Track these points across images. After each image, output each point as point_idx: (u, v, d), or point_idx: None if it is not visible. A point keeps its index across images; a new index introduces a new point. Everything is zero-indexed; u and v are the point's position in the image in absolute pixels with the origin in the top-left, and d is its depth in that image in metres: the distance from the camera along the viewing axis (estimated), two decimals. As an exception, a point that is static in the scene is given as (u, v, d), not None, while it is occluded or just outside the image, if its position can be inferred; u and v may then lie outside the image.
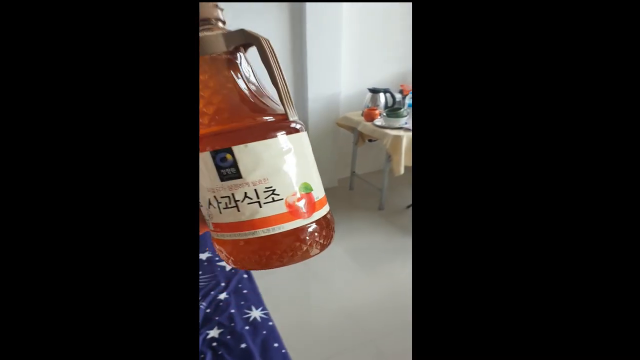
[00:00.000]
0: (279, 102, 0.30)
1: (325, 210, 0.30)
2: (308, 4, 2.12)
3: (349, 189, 2.65)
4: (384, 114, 2.14)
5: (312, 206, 0.29)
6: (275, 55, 0.28)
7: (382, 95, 2.37)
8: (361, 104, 2.48)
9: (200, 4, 0.28)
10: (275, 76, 0.28)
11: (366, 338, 1.38)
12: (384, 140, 2.03)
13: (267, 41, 0.28)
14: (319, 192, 0.30)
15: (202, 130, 0.27)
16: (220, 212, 0.28)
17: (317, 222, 0.29)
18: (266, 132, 0.27)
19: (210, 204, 0.28)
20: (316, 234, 0.29)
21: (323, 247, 0.30)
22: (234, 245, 0.29)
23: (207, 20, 0.29)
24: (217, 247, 0.31)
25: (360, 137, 2.42)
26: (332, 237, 0.31)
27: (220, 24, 0.29)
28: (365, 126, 2.22)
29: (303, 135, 0.29)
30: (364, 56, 2.55)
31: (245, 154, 0.26)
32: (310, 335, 1.42)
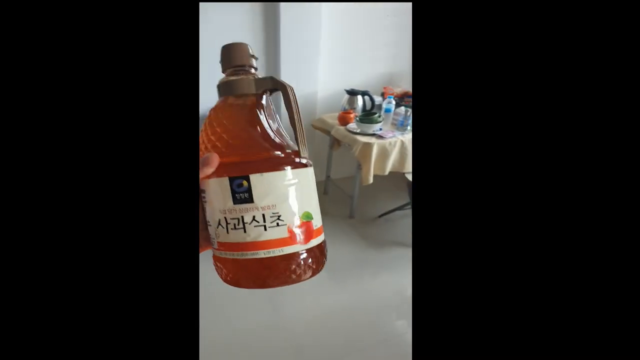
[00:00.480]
0: (293, 139, 0.35)
1: (321, 238, 0.34)
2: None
3: (324, 193, 2.53)
4: (357, 118, 2.02)
5: (310, 234, 0.32)
6: (296, 101, 0.33)
7: (359, 97, 2.24)
8: (339, 106, 2.32)
9: (239, 53, 0.33)
10: (294, 119, 0.33)
11: (332, 352, 1.33)
12: (354, 147, 1.91)
13: (292, 89, 0.33)
14: (317, 222, 0.33)
15: (223, 159, 0.31)
16: (228, 232, 0.31)
17: (312, 249, 0.32)
18: (279, 164, 0.31)
19: (219, 224, 0.31)
20: (310, 260, 0.32)
21: (315, 272, 0.33)
22: (234, 264, 0.32)
23: (243, 66, 0.33)
24: (217, 265, 0.33)
25: (336, 141, 2.23)
26: (324, 263, 0.34)
27: (252, 70, 0.34)
28: (338, 130, 2.09)
29: (309, 170, 0.33)
30: (346, 55, 2.39)
31: (259, 181, 0.30)
32: (274, 344, 1.36)
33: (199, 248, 0.35)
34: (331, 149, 2.40)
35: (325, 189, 2.55)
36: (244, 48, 0.34)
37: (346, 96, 2.28)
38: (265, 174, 0.30)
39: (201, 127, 0.34)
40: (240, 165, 0.31)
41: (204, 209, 0.33)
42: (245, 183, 0.30)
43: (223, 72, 0.34)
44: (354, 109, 2.23)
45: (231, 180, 0.30)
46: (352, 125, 2.05)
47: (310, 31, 2.18)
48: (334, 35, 2.30)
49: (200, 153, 0.35)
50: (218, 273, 0.34)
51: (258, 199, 0.30)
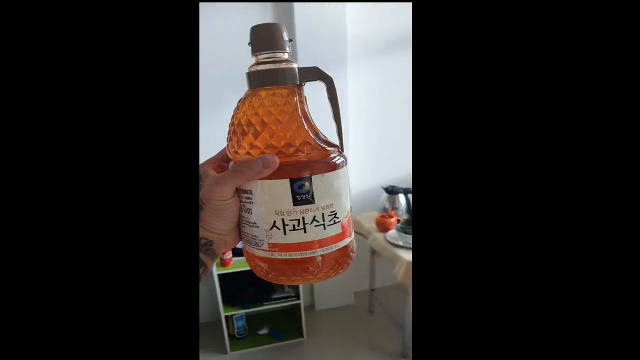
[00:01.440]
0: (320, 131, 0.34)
1: (353, 227, 0.36)
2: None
3: (368, 311, 2.04)
4: (398, 225, 1.56)
5: (352, 225, 0.34)
6: (337, 94, 0.32)
7: (401, 196, 1.81)
8: (377, 204, 1.90)
9: (275, 35, 0.30)
10: (338, 113, 0.32)
11: None
12: (396, 267, 1.45)
13: (333, 81, 0.32)
14: (352, 212, 0.35)
15: (282, 159, 0.29)
16: (285, 234, 0.30)
17: (353, 239, 0.35)
18: (336, 163, 0.31)
19: (274, 225, 0.30)
20: (352, 248, 0.34)
21: (351, 261, 0.35)
22: (286, 263, 0.31)
23: (280, 51, 0.30)
24: (258, 264, 0.32)
25: (376, 251, 1.77)
26: (354, 255, 0.37)
27: (287, 56, 0.31)
28: (376, 239, 1.64)
29: (347, 167, 0.34)
30: (380, 144, 2.03)
31: (321, 182, 0.30)
32: None
33: (224, 248, 0.33)
34: (373, 257, 1.92)
35: (369, 306, 2.04)
36: (279, 29, 0.31)
37: (384, 194, 1.86)
38: (326, 175, 0.30)
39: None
40: (301, 165, 0.30)
41: (245, 209, 0.31)
42: (307, 184, 0.29)
43: (253, 56, 0.31)
44: (396, 210, 1.79)
45: (292, 181, 0.29)
46: (393, 234, 1.59)
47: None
48: (363, 119, 1.91)
49: (230, 147, 0.31)
50: (256, 271, 0.33)
51: (319, 199, 0.30)
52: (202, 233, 0.31)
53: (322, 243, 0.31)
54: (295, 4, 1.60)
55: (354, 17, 1.76)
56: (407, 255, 1.43)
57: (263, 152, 0.29)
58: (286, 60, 0.31)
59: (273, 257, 0.31)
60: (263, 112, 0.30)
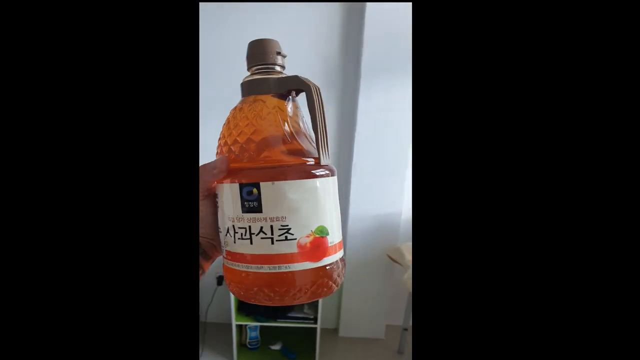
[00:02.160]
0: (310, 144, 0.32)
1: (337, 256, 0.30)
2: (362, 81, 1.50)
3: (398, 352, 1.75)
4: None
5: (324, 251, 0.29)
6: (321, 103, 0.30)
7: None
8: None
9: (265, 50, 0.31)
10: (316, 122, 0.30)
11: None
12: None
13: (317, 89, 0.30)
14: (334, 237, 0.30)
15: (236, 164, 0.29)
16: (235, 242, 0.29)
17: (324, 267, 0.29)
18: (295, 173, 0.28)
19: (228, 231, 0.29)
20: (321, 280, 0.29)
21: (327, 293, 0.30)
22: (240, 276, 0.29)
23: (267, 64, 0.31)
24: (227, 276, 0.31)
25: None
26: (338, 284, 0.31)
27: (278, 69, 0.31)
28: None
29: (331, 180, 0.30)
30: None
31: (270, 190, 0.27)
32: None
33: (216, 252, 0.34)
34: (410, 296, 1.67)
35: (399, 345, 1.76)
36: (272, 44, 0.31)
37: None
38: (277, 183, 0.27)
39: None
40: (250, 171, 0.28)
41: (217, 214, 0.32)
42: (255, 191, 0.28)
43: (248, 69, 0.32)
44: None
45: (241, 187, 0.28)
46: None
47: (399, 135, 1.55)
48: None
49: (216, 155, 0.33)
50: (229, 288, 0.32)
51: (267, 209, 0.27)
52: None
53: (269, 259, 0.28)
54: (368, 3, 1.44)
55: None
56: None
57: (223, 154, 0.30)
58: (277, 72, 0.31)
59: (229, 266, 0.30)
60: (231, 118, 0.31)
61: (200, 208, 0.31)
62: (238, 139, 0.30)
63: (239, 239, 0.29)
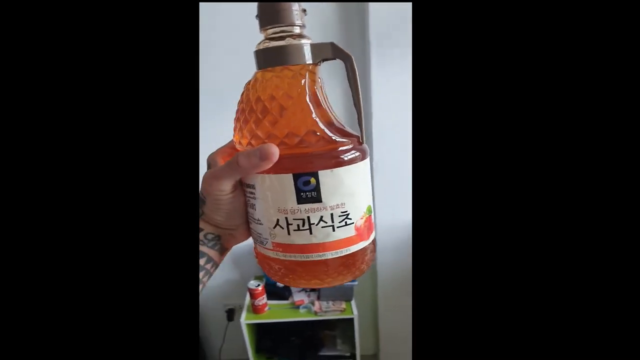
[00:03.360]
0: (340, 119, 0.30)
1: (375, 230, 0.32)
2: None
3: None
4: None
5: (371, 227, 0.30)
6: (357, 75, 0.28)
7: None
8: None
9: (286, 7, 0.26)
10: (359, 98, 0.28)
11: None
12: None
13: (353, 60, 0.27)
14: (373, 213, 0.31)
15: (285, 151, 0.26)
16: (289, 234, 0.27)
17: (372, 242, 0.30)
18: (350, 157, 0.27)
19: (277, 224, 0.27)
20: (370, 253, 0.31)
21: (370, 264, 0.32)
22: (294, 265, 0.28)
23: (291, 26, 0.26)
24: (269, 263, 0.30)
25: None
26: (375, 251, 0.33)
27: (300, 30, 0.27)
28: None
29: (368, 159, 0.30)
30: None
31: (329, 178, 0.26)
32: None
33: (234, 242, 0.31)
34: None
35: None
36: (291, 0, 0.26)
37: None
38: (335, 170, 0.26)
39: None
40: (306, 159, 0.26)
41: (249, 205, 0.28)
42: (313, 181, 0.26)
43: (262, 31, 0.27)
44: None
45: (295, 177, 0.26)
46: None
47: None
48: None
49: (236, 138, 0.29)
50: (266, 270, 0.31)
51: (327, 198, 0.26)
52: (208, 228, 0.30)
53: (330, 246, 0.27)
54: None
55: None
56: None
57: (264, 142, 0.26)
58: (299, 35, 0.27)
59: (277, 257, 0.29)
60: (265, 96, 0.26)
61: (231, 200, 0.28)
62: (280, 119, 0.26)
63: (294, 230, 0.27)
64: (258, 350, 1.37)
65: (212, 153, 0.31)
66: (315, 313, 1.29)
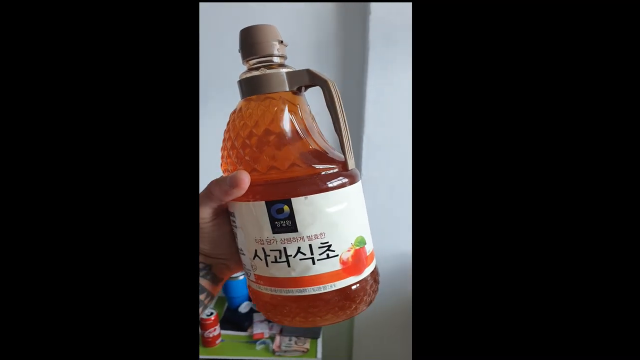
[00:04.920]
0: (330, 144, 0.29)
1: (374, 264, 0.29)
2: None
3: None
4: None
5: (364, 261, 0.27)
6: (340, 99, 0.26)
7: None
8: None
9: (265, 39, 0.26)
10: (339, 122, 0.26)
11: None
12: None
13: (334, 84, 0.26)
14: (369, 245, 0.28)
15: (257, 178, 0.25)
16: (267, 265, 0.26)
17: (367, 277, 0.27)
18: (328, 183, 0.25)
19: (256, 255, 0.26)
20: (364, 291, 0.27)
21: (369, 303, 0.28)
22: (277, 300, 0.27)
23: (270, 57, 0.27)
24: (258, 299, 0.28)
25: None
26: (377, 290, 0.29)
27: (280, 60, 0.27)
28: None
29: (359, 185, 0.27)
30: None
31: (304, 206, 0.24)
32: None
33: (228, 271, 0.30)
34: None
35: None
36: (271, 32, 0.27)
37: None
38: (310, 197, 0.24)
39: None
40: (278, 186, 0.25)
41: (234, 234, 0.28)
42: (286, 208, 0.24)
43: (244, 62, 0.28)
44: None
45: (268, 205, 0.25)
46: None
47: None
48: None
49: (222, 167, 0.29)
50: (255, 305, 0.29)
51: (303, 227, 0.25)
52: (199, 258, 0.30)
53: (311, 281, 0.25)
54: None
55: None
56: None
57: (237, 169, 0.26)
58: (278, 65, 0.27)
59: (260, 290, 0.27)
60: (241, 125, 0.27)
61: (212, 228, 0.28)
62: (254, 147, 0.26)
63: (272, 262, 0.25)
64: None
65: (213, 180, 0.31)
66: (273, 352, 1.09)
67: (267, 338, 1.13)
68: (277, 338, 1.12)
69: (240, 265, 0.30)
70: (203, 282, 0.30)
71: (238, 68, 0.28)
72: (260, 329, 1.16)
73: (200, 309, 0.30)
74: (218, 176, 0.28)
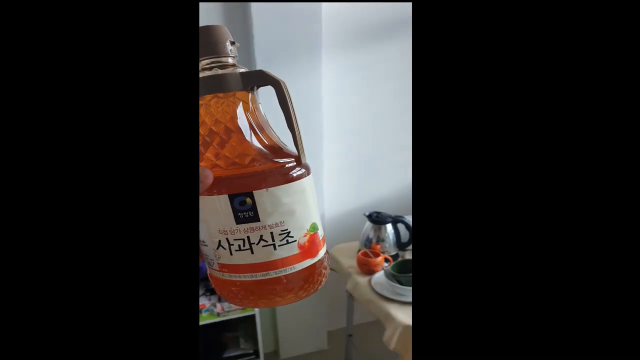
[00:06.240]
0: (282, 141, 0.31)
1: (325, 247, 0.32)
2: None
3: (345, 359, 1.57)
4: (388, 270, 1.14)
5: (318, 245, 0.30)
6: (291, 98, 0.29)
7: (389, 227, 1.33)
8: (357, 233, 1.40)
9: (216, 39, 0.28)
10: (292, 119, 0.29)
11: None
12: (387, 331, 1.03)
13: (284, 84, 0.29)
14: (321, 231, 0.31)
15: (219, 173, 0.27)
16: (232, 254, 0.28)
17: (320, 260, 0.31)
18: (286, 176, 0.28)
19: (219, 245, 0.28)
20: (318, 272, 0.31)
21: (321, 284, 0.32)
22: (240, 286, 0.29)
23: (221, 56, 0.28)
24: (219, 286, 0.30)
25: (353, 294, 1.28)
26: (327, 273, 0.33)
27: (231, 60, 0.29)
28: (358, 285, 1.20)
29: (311, 177, 0.30)
30: (362, 157, 1.62)
31: (265, 198, 0.27)
32: None
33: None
34: (350, 299, 1.40)
35: (346, 354, 1.55)
36: (223, 32, 0.28)
37: (368, 223, 1.36)
38: (271, 189, 0.27)
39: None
40: (240, 179, 0.27)
41: None
42: (248, 201, 0.27)
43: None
44: (382, 242, 1.31)
45: (231, 198, 0.26)
46: (381, 280, 1.15)
47: (310, 131, 1.36)
48: (342, 126, 1.51)
49: None
50: (219, 293, 0.31)
51: (264, 217, 0.27)
52: None
53: (273, 265, 0.28)
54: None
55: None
56: (402, 314, 0.98)
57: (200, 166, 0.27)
58: (231, 65, 0.28)
59: (224, 278, 0.29)
60: (201, 123, 0.28)
61: None
62: (214, 144, 0.27)
63: (236, 250, 0.27)
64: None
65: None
66: (218, 314, 1.38)
67: (210, 306, 1.41)
68: (218, 304, 1.42)
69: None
70: None
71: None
72: (202, 301, 1.43)
73: None
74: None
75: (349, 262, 1.32)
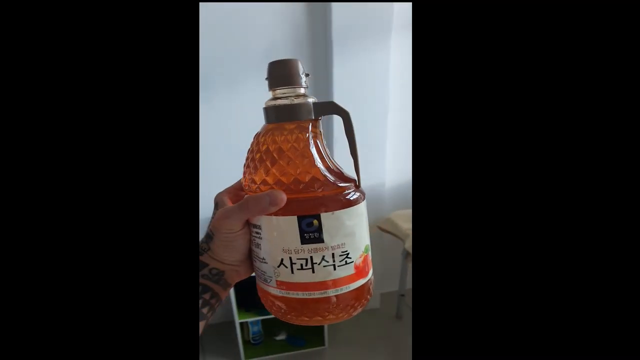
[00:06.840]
0: (338, 165, 0.33)
1: (371, 268, 0.34)
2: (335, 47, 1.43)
3: (396, 317, 1.80)
4: None
5: (369, 265, 0.32)
6: (353, 127, 0.31)
7: None
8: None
9: (291, 71, 0.29)
10: (355, 147, 0.31)
11: None
12: None
13: (349, 115, 0.31)
14: (370, 252, 0.33)
15: (289, 195, 0.28)
16: (293, 272, 0.29)
17: (370, 279, 0.33)
18: (349, 200, 0.29)
19: (281, 263, 0.29)
20: (368, 290, 0.33)
21: (367, 302, 0.34)
22: (296, 303, 0.30)
23: (295, 86, 0.30)
24: (272, 301, 0.31)
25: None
26: (372, 292, 0.35)
27: (303, 90, 0.30)
28: None
29: (365, 201, 0.32)
30: None
31: (331, 220, 0.28)
32: None
33: (237, 278, 0.33)
34: (406, 260, 1.60)
35: (397, 311, 1.77)
36: (297, 65, 0.30)
37: None
38: (337, 213, 0.29)
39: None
40: (309, 202, 0.28)
41: (254, 244, 0.30)
42: (315, 222, 0.28)
43: (271, 90, 0.30)
44: None
45: (300, 219, 0.28)
46: None
47: (377, 102, 1.50)
48: (405, 106, 1.61)
49: (245, 183, 0.31)
50: (268, 308, 0.32)
51: (329, 238, 0.29)
52: (213, 263, 0.31)
53: (331, 284, 0.29)
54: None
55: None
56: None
57: (272, 188, 0.28)
58: (302, 95, 0.30)
59: (281, 295, 0.30)
60: (274, 148, 0.29)
61: (237, 238, 0.30)
62: (288, 168, 0.29)
63: (297, 269, 0.29)
64: (239, 307, 1.51)
65: (220, 193, 0.33)
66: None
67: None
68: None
69: (248, 273, 0.33)
70: (215, 287, 0.31)
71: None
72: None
73: (210, 313, 0.31)
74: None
75: (407, 225, 1.45)
